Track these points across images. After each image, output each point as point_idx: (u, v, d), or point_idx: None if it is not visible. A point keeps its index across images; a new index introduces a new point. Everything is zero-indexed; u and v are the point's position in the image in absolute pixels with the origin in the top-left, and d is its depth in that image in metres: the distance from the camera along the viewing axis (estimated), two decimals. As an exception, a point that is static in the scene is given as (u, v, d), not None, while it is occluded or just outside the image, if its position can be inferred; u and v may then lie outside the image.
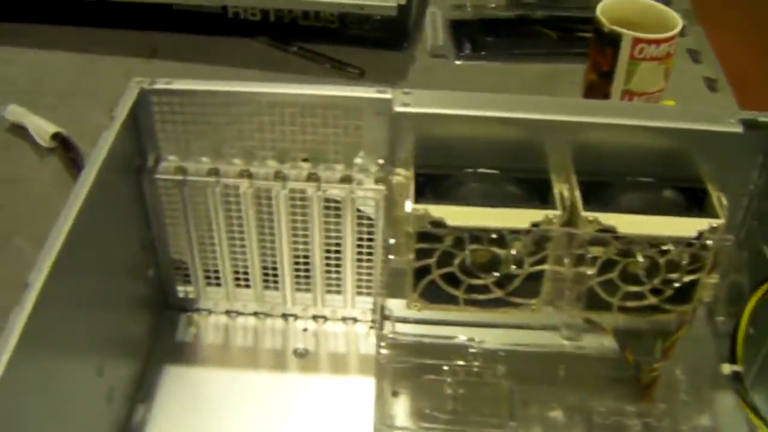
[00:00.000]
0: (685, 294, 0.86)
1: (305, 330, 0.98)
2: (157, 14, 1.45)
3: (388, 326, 0.84)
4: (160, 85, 0.86)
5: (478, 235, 0.82)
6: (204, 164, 0.89)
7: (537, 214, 0.82)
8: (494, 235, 0.81)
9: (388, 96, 0.84)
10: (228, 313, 1.00)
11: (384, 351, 0.84)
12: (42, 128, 1.23)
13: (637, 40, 1.17)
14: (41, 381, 0.68)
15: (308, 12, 1.43)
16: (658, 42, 1.17)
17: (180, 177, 0.88)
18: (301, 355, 0.95)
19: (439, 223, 0.81)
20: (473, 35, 1.48)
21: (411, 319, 0.93)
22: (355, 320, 0.99)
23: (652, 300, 0.86)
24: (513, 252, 0.81)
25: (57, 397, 0.71)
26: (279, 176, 0.87)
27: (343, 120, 0.86)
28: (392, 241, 0.82)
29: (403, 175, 0.85)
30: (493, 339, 0.94)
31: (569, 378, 0.92)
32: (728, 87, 1.43)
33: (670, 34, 1.18)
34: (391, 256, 0.82)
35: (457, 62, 1.44)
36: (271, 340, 0.98)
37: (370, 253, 0.92)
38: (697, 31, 1.57)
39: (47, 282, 0.67)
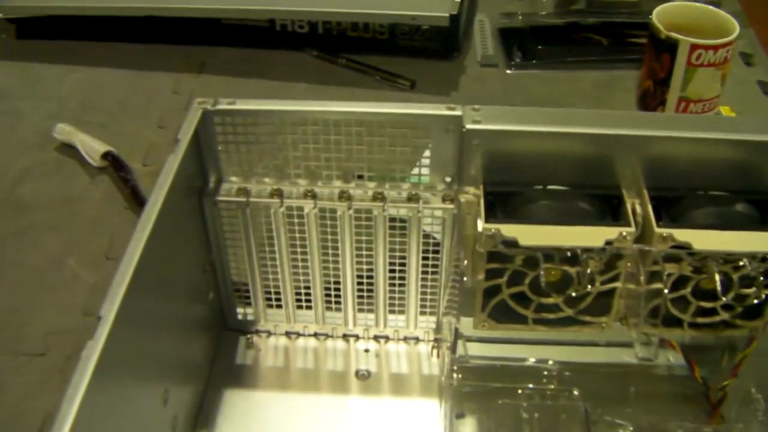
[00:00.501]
0: (756, 309, 0.84)
1: (367, 351, 0.97)
2: (204, 29, 1.45)
3: (460, 349, 0.82)
4: (222, 106, 0.85)
5: (550, 253, 0.80)
6: (267, 185, 0.88)
7: (611, 232, 0.80)
8: (568, 254, 0.79)
9: (458, 113, 0.83)
10: (288, 334, 0.99)
11: (456, 375, 0.82)
12: (92, 147, 1.23)
13: (694, 46, 1.16)
14: (110, 412, 0.67)
15: (357, 23, 1.42)
16: (715, 48, 1.16)
17: (243, 199, 0.87)
18: (364, 376, 0.94)
19: (511, 243, 0.79)
20: (523, 43, 1.47)
21: (473, 337, 0.91)
22: (417, 340, 0.97)
23: (724, 316, 0.84)
24: (588, 271, 0.79)
25: (124, 425, 0.70)
26: (344, 197, 0.86)
27: (412, 138, 0.84)
28: (466, 262, 0.80)
29: (473, 194, 0.84)
30: (558, 356, 0.93)
31: (639, 396, 0.90)
32: (783, 92, 1.41)
33: (727, 39, 1.17)
34: (465, 278, 0.80)
35: (508, 71, 1.42)
36: (333, 361, 0.96)
37: (435, 273, 0.90)
38: (748, 33, 1.55)
39: (118, 313, 0.66)
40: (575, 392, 0.87)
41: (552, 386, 0.86)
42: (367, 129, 0.84)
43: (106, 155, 1.22)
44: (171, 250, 0.81)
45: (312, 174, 0.87)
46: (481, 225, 0.80)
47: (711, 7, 1.24)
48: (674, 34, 1.17)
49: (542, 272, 0.80)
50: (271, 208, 0.87)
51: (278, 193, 0.87)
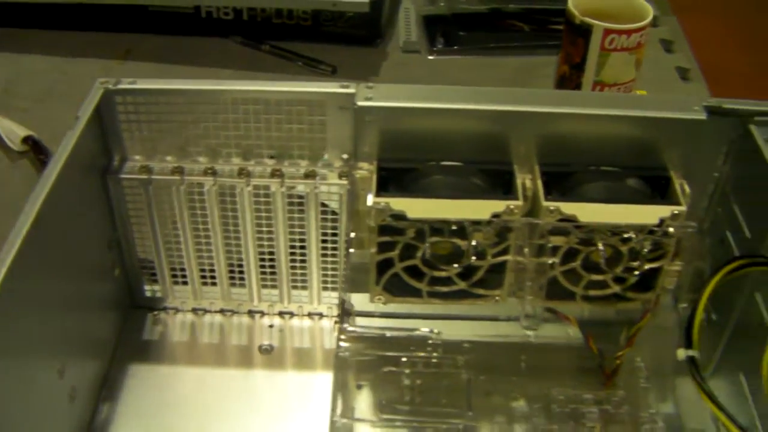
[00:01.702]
0: (648, 282, 0.87)
1: (271, 326, 0.99)
2: (131, 16, 1.46)
3: (348, 320, 0.84)
4: (124, 85, 0.86)
5: (438, 227, 0.82)
6: (169, 163, 0.89)
7: (498, 205, 0.82)
8: (455, 227, 0.81)
9: (351, 90, 0.84)
10: (195, 311, 1.00)
11: (344, 344, 0.83)
12: (12, 131, 1.23)
13: (607, 31, 1.17)
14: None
15: (281, 10, 1.43)
16: (628, 32, 1.18)
17: (145, 176, 0.88)
18: (267, 351, 0.95)
19: (399, 216, 0.81)
20: (446, 30, 1.49)
21: (377, 313, 0.93)
22: (321, 316, 0.99)
23: (615, 288, 0.86)
24: (473, 243, 0.81)
25: (15, 396, 0.71)
26: (243, 173, 0.87)
27: (307, 116, 0.86)
28: (353, 234, 0.82)
29: (366, 169, 0.85)
30: (458, 331, 0.94)
31: (533, 368, 0.92)
32: (701, 76, 1.43)
33: (640, 24, 1.18)
34: (351, 250, 0.82)
35: (430, 57, 1.44)
36: (238, 337, 0.98)
37: (335, 249, 0.92)
38: (671, 21, 1.57)
39: (5, 282, 0.67)
40: (459, 358, 0.88)
41: (436, 354, 0.87)
42: (264, 107, 0.85)
43: (26, 139, 1.22)
44: (71, 223, 0.82)
45: (212, 152, 0.88)
46: (371, 199, 0.81)
47: (626, -6, 1.26)
48: (588, 19, 1.18)
49: (427, 245, 0.81)
50: (173, 186, 0.88)
51: (179, 171, 0.88)
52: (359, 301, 0.88)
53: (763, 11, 1.73)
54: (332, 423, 0.77)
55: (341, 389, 0.80)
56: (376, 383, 0.88)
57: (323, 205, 0.89)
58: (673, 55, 1.48)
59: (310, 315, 0.99)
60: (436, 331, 0.89)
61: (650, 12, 1.20)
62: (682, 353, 0.76)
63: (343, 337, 0.83)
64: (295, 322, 0.99)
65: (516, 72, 1.40)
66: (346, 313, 0.83)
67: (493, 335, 0.94)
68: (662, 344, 0.89)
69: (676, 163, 0.86)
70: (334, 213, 0.89)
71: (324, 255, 0.93)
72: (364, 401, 0.87)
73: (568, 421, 0.86)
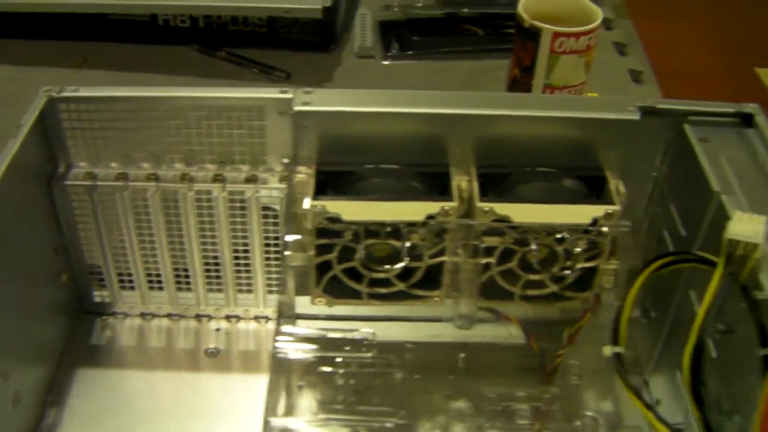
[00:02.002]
0: (587, 281, 0.88)
1: (218, 330, 0.99)
2: (88, 24, 1.46)
3: (285, 321, 0.85)
4: (67, 93, 0.87)
5: (374, 229, 0.83)
6: (113, 170, 0.90)
7: (433, 207, 0.83)
8: (390, 229, 0.82)
9: (289, 96, 0.86)
10: (143, 315, 1.01)
11: (280, 345, 0.84)
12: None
13: (556, 34, 1.18)
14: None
15: (237, 17, 1.44)
16: (577, 35, 1.18)
17: (89, 183, 0.89)
18: (213, 354, 0.96)
19: (335, 219, 0.82)
20: (401, 35, 1.50)
21: (322, 316, 0.94)
22: (267, 319, 1.00)
23: (553, 288, 0.88)
24: (407, 244, 0.82)
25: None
26: (186, 178, 0.88)
27: (247, 121, 0.87)
28: (290, 238, 0.83)
29: (305, 173, 0.86)
30: (402, 332, 0.95)
31: (473, 368, 0.93)
32: (654, 79, 1.44)
33: (589, 27, 1.19)
34: (287, 253, 0.82)
35: (385, 62, 1.45)
36: (185, 340, 0.99)
37: (278, 252, 0.93)
38: (625, 24, 1.59)
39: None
40: (394, 361, 0.89)
41: (371, 355, 0.88)
42: (205, 113, 0.87)
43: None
44: (13, 233, 0.82)
45: (156, 158, 0.89)
46: (308, 202, 0.82)
47: (576, -3, 1.27)
48: (537, 23, 1.19)
49: (365, 247, 0.82)
50: (117, 192, 0.89)
51: (123, 177, 0.89)
52: (304, 304, 0.90)
53: (720, 15, 1.75)
54: (266, 423, 0.77)
55: (276, 390, 0.81)
56: (311, 384, 0.89)
57: (265, 209, 0.89)
58: (626, 57, 1.49)
59: (256, 318, 1.00)
60: (371, 331, 0.90)
61: (599, 15, 1.21)
62: (608, 350, 0.77)
63: (279, 338, 0.84)
64: (242, 325, 1.00)
65: (470, 75, 1.41)
66: (282, 315, 0.84)
67: (434, 335, 0.95)
68: (604, 343, 0.88)
69: (613, 164, 0.88)
70: (275, 217, 0.90)
71: (267, 259, 0.94)
72: (299, 401, 0.88)
73: (500, 418, 0.87)
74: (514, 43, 1.25)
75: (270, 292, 0.97)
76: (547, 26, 1.18)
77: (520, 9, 1.22)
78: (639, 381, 0.89)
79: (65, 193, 0.90)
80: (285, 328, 0.84)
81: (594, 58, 1.23)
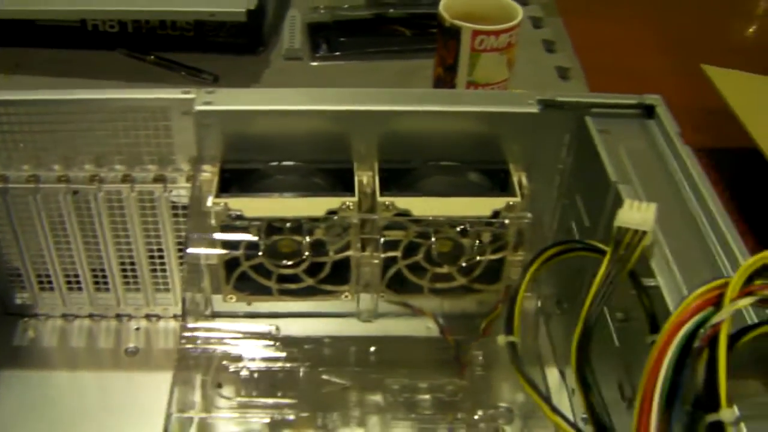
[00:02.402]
0: (496, 273, 0.90)
1: (138, 329, 1.00)
2: (18, 30, 1.47)
3: (189, 318, 0.86)
4: (-28, 97, 0.87)
5: (278, 225, 0.84)
6: (24, 172, 0.91)
7: (333, 202, 0.85)
8: (292, 225, 0.84)
9: (191, 96, 0.87)
10: (65, 316, 1.02)
11: (184, 341, 0.86)
12: None
13: (476, 32, 1.20)
14: None
15: (165, 21, 1.45)
16: (497, 33, 1.20)
17: (1, 185, 0.90)
18: (132, 353, 0.97)
19: (238, 216, 0.83)
20: (329, 36, 1.52)
21: (241, 313, 0.95)
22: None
23: (461, 281, 0.90)
24: (308, 240, 0.84)
25: None
26: (95, 179, 0.89)
27: (152, 122, 0.88)
28: (193, 236, 0.84)
29: (209, 171, 0.88)
30: (316, 329, 0.96)
31: (385, 362, 0.94)
32: (582, 75, 1.46)
33: (509, 24, 1.21)
34: (189, 250, 0.84)
35: (313, 63, 1.46)
36: (105, 340, 1.00)
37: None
38: (555, 22, 1.61)
39: None
40: (297, 355, 0.90)
41: (275, 349, 0.90)
42: (110, 115, 0.87)
43: None
44: None
45: (66, 160, 0.90)
46: (210, 200, 0.84)
47: (495, -5, 1.29)
48: (457, 22, 1.21)
49: (264, 243, 0.84)
50: (28, 195, 0.90)
51: (35, 179, 0.90)
52: (219, 302, 0.92)
53: (656, 15, 1.77)
54: (167, 417, 0.79)
55: (178, 384, 0.82)
56: (216, 379, 0.90)
57: (175, 207, 0.91)
58: (554, 55, 1.52)
59: (175, 317, 1.01)
60: (275, 327, 0.91)
61: (519, 12, 1.23)
62: (502, 339, 0.78)
63: (184, 335, 0.85)
64: (161, 324, 1.01)
65: (397, 75, 1.43)
66: (186, 312, 0.85)
67: (348, 330, 0.96)
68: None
69: (516, 157, 0.90)
70: (186, 216, 0.91)
71: (182, 258, 0.95)
72: (202, 396, 0.89)
73: (409, 410, 0.88)
74: (437, 43, 1.27)
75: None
76: (467, 24, 1.20)
77: (441, 8, 1.24)
78: (547, 372, 0.91)
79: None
80: (191, 324, 0.85)
81: (517, 55, 1.26)
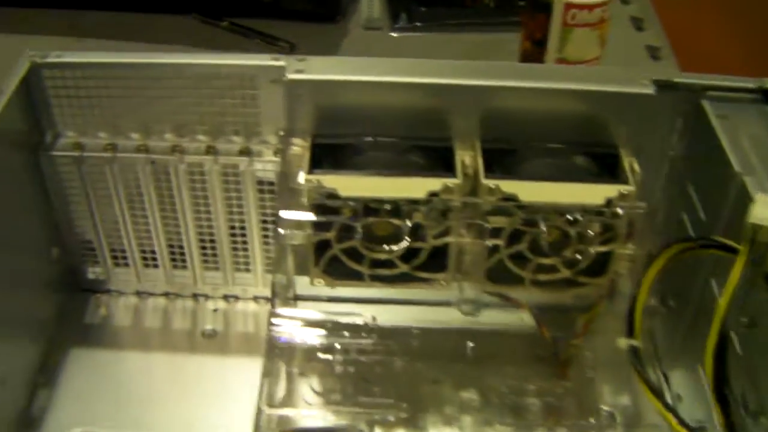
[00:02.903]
0: (602, 266, 0.83)
1: (215, 310, 0.96)
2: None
3: (282, 303, 0.81)
4: (51, 59, 0.83)
5: (374, 206, 0.79)
6: (102, 140, 0.86)
7: (435, 183, 0.79)
8: (389, 206, 0.78)
9: (281, 63, 0.82)
10: (138, 293, 0.97)
11: (275, 329, 0.80)
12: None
13: (568, 5, 1.15)
14: None
15: (241, -14, 1.40)
16: (590, 7, 1.15)
17: (77, 153, 0.86)
18: (210, 335, 0.93)
19: (332, 195, 0.78)
20: (408, 6, 1.45)
21: (323, 297, 0.90)
22: (266, 299, 0.96)
23: (565, 273, 0.82)
24: (408, 224, 0.78)
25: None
26: (177, 150, 0.84)
27: (238, 90, 0.83)
28: (284, 214, 0.78)
29: (300, 146, 0.82)
30: (404, 317, 0.91)
31: (482, 356, 0.88)
32: (672, 55, 1.40)
33: (602, -1, 1.15)
34: (280, 230, 0.78)
35: (392, 34, 1.41)
36: (181, 321, 0.95)
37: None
38: (642, -2, 1.54)
39: None
40: (395, 348, 0.86)
41: (371, 341, 0.84)
42: (194, 81, 0.82)
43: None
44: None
45: (145, 128, 0.85)
46: (302, 177, 0.78)
47: (590, -33, 1.23)
48: (549, -7, 1.16)
49: (359, 225, 0.78)
50: (106, 164, 0.86)
51: (112, 148, 0.85)
52: (304, 284, 0.86)
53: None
54: (258, 411, 0.74)
55: (270, 376, 0.77)
56: (308, 370, 0.85)
57: (261, 182, 0.85)
58: (643, 33, 1.45)
59: (255, 299, 0.97)
60: (372, 316, 0.86)
61: (616, -15, 1.17)
62: (623, 342, 0.73)
63: (274, 321, 0.80)
64: (240, 305, 0.97)
65: (479, 49, 1.37)
66: (277, 296, 0.80)
67: (440, 321, 0.90)
68: (619, 333, 0.83)
69: (626, 141, 0.83)
70: (273, 192, 0.86)
71: (266, 236, 0.90)
72: (294, 389, 0.84)
73: (510, 413, 0.83)
74: (525, 15, 1.22)
75: (269, 271, 0.93)
76: None
77: (532, -21, 1.18)
78: (657, 375, 0.84)
79: (53, 164, 0.86)
80: (281, 310, 0.80)
81: (608, 32, 1.19)
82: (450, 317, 0.90)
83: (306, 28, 1.40)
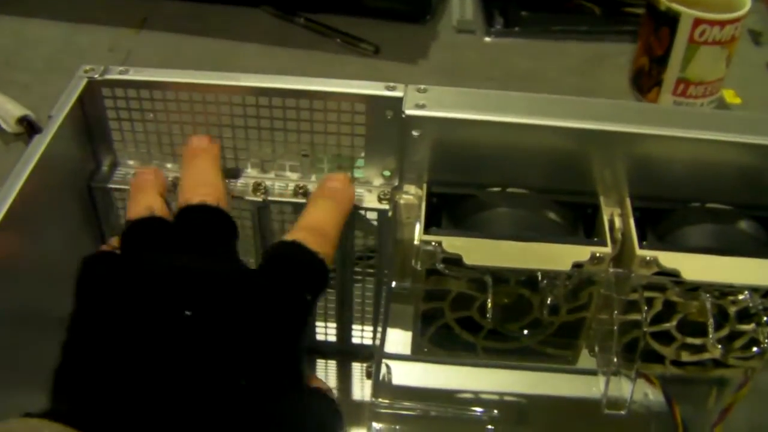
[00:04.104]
0: (748, 344, 0.70)
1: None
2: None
3: (380, 394, 0.67)
4: (112, 75, 0.70)
5: (504, 276, 0.64)
6: (169, 172, 0.73)
7: (581, 252, 0.65)
8: (524, 277, 0.64)
9: (398, 94, 0.68)
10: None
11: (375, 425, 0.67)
12: (7, 110, 1.07)
13: (698, 21, 1.03)
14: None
15: (320, -22, 1.26)
16: (722, 23, 1.03)
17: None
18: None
19: (454, 261, 0.63)
20: (506, 8, 1.32)
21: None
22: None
23: (714, 353, 0.70)
24: (548, 300, 0.64)
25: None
26: (260, 190, 0.70)
27: (340, 123, 0.69)
28: (396, 285, 0.65)
29: (413, 194, 0.69)
30: (505, 381, 0.78)
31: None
32: (793, 76, 1.26)
33: (737, 14, 1.04)
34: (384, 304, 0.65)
35: (487, 39, 1.28)
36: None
37: (370, 275, 0.75)
38: (758, 8, 1.40)
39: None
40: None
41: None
42: (283, 110, 0.68)
43: (21, 120, 1.06)
44: (50, 239, 0.68)
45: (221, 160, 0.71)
46: (418, 236, 0.64)
47: (719, -23, 1.09)
48: (676, 6, 1.04)
49: (484, 297, 0.64)
50: (173, 201, 0.71)
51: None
52: (397, 337, 0.73)
53: None
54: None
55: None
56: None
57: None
58: (762, 47, 1.31)
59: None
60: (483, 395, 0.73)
61: (748, 0, 1.04)
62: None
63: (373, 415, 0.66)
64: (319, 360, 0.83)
65: (584, 61, 1.24)
66: (378, 385, 0.66)
67: (555, 393, 0.78)
68: (760, 412, 0.75)
69: (805, 203, 0.69)
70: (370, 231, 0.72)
71: (357, 281, 0.76)
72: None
73: None
74: (643, 28, 1.11)
75: (357, 320, 0.79)
76: (689, 11, 1.04)
77: (655, -13, 1.05)
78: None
79: (109, 196, 0.73)
80: (378, 401, 0.66)
81: (736, 50, 1.08)
82: (558, 387, 0.79)
83: (390, 27, 1.28)
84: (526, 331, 0.69)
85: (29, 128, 1.06)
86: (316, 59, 1.20)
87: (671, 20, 1.05)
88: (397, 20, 1.29)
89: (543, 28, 1.29)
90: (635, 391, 0.75)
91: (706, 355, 0.70)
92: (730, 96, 1.16)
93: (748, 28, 1.34)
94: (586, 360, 0.74)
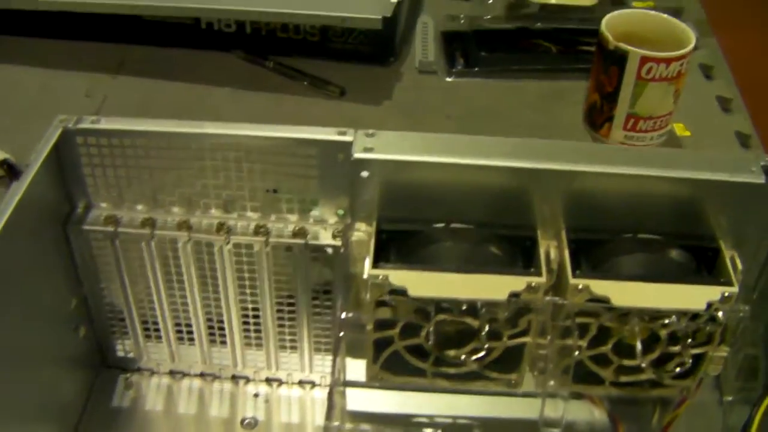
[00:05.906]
0: (688, 367, 0.75)
1: (256, 395, 0.87)
2: (125, 26, 1.33)
3: (335, 416, 0.72)
4: (85, 125, 0.75)
5: (447, 306, 0.69)
6: (139, 213, 0.78)
7: (517, 282, 0.70)
8: (465, 306, 0.69)
9: (348, 139, 0.73)
10: (172, 373, 0.89)
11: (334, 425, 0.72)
12: (-13, 154, 1.11)
13: (644, 59, 1.06)
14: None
15: (287, 24, 1.31)
16: (668, 61, 1.06)
17: (111, 228, 0.77)
18: (250, 425, 0.84)
19: (400, 292, 0.68)
20: (466, 49, 1.35)
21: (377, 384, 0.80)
22: (313, 384, 0.88)
23: (650, 374, 0.74)
24: (486, 328, 0.69)
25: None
26: (223, 229, 0.75)
27: (297, 166, 0.75)
28: (348, 314, 0.70)
29: (364, 231, 0.74)
30: (463, 407, 0.84)
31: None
32: (743, 107, 1.30)
33: (682, 52, 1.06)
34: (340, 333, 0.69)
35: (448, 79, 1.31)
36: (218, 407, 0.87)
37: (327, 308, 0.81)
38: (710, 43, 1.44)
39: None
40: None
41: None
42: (246, 154, 0.73)
43: (2, 163, 1.10)
44: (27, 278, 0.73)
45: (188, 202, 0.77)
46: (367, 270, 0.69)
47: (666, 16, 1.14)
48: (623, 45, 1.07)
49: (429, 325, 0.69)
50: (142, 240, 0.77)
51: (150, 223, 0.77)
52: (354, 365, 0.77)
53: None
54: None
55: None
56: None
57: (314, 251, 0.76)
58: (712, 82, 1.35)
59: (300, 383, 0.88)
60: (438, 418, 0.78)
61: (692, 38, 1.09)
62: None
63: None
64: (284, 391, 0.88)
65: (541, 98, 1.28)
66: (332, 407, 0.71)
67: (503, 415, 0.84)
68: (701, 426, 0.80)
69: (726, 232, 0.75)
70: (326, 262, 0.77)
71: (316, 317, 0.81)
72: None
73: None
74: (594, 66, 1.13)
75: (317, 350, 0.85)
76: (635, 49, 1.06)
77: (604, 27, 1.10)
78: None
79: (83, 238, 0.78)
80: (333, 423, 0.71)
81: (684, 85, 1.10)
82: (514, 407, 0.84)
83: (356, 70, 1.31)
84: (465, 357, 0.73)
85: (9, 171, 1.10)
86: (285, 102, 1.24)
87: (619, 59, 1.09)
88: (363, 62, 1.33)
89: (502, 67, 1.32)
90: (582, 411, 0.80)
91: (642, 376, 0.75)
92: (680, 129, 1.19)
93: (699, 63, 1.39)
94: (531, 383, 0.78)
